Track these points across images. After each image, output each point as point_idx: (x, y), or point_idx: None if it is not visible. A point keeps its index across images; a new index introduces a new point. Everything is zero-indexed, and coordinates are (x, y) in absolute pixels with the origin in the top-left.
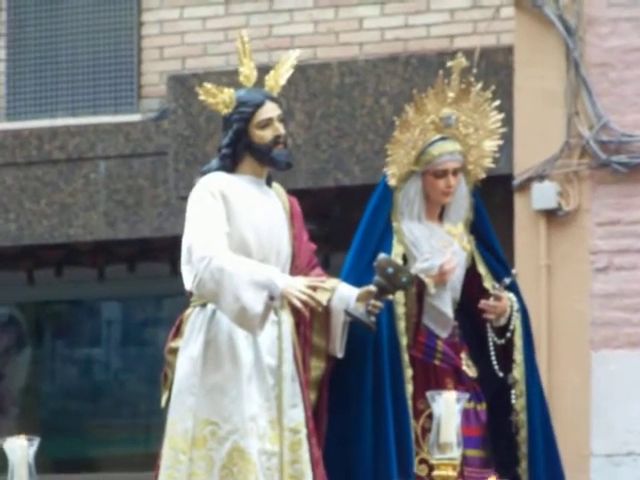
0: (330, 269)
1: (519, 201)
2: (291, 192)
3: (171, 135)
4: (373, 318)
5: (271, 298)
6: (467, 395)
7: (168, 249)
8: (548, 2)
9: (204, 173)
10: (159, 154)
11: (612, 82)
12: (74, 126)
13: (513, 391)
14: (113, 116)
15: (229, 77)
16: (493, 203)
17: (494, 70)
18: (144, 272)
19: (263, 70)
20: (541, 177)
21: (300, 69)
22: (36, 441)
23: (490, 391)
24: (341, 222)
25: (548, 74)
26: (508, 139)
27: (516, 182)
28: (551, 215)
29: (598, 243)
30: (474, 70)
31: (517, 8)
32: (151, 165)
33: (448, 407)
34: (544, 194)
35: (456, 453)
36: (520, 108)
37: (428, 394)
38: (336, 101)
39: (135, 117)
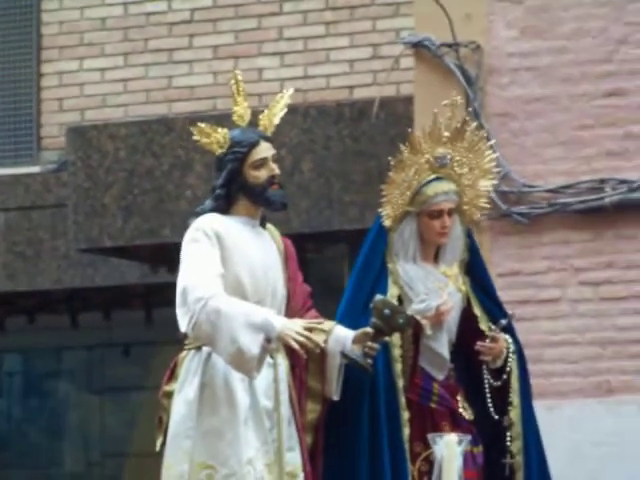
0: None
1: None
2: None
3: (70, 187)
4: (370, 360)
5: (268, 340)
6: (469, 437)
7: (67, 301)
8: (448, 52)
9: (197, 214)
10: (59, 206)
11: (513, 132)
12: None
13: (509, 433)
14: (12, 168)
15: (127, 128)
16: None
17: (394, 120)
18: (44, 324)
19: (162, 122)
20: None
21: (199, 120)
22: None
23: (486, 433)
24: None
25: None
26: None
27: None
28: None
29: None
30: (372, 121)
31: (417, 58)
32: (51, 217)
33: (450, 449)
34: None
35: None
36: None
37: (429, 436)
38: None
39: (35, 169)
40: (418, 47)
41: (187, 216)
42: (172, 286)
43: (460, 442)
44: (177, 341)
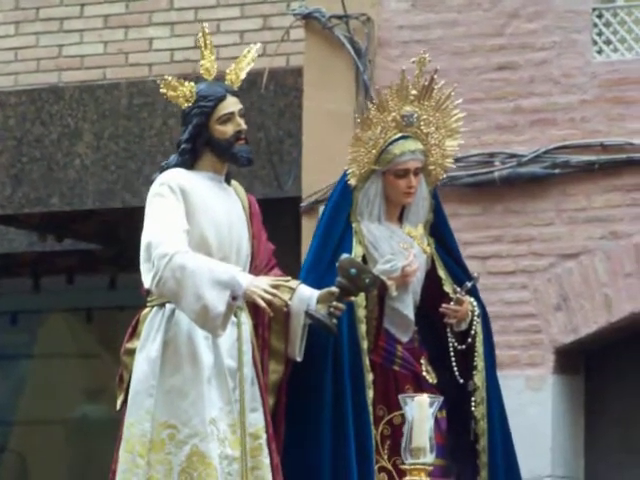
0: (117, 290)
1: (306, 224)
2: (78, 213)
3: None
4: (335, 320)
5: (234, 298)
6: (441, 399)
7: None
8: (338, 24)
9: (163, 169)
10: None
11: None
12: None
13: (473, 398)
14: None
15: (17, 96)
16: (282, 225)
17: (283, 92)
18: None
19: (52, 91)
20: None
21: (89, 89)
22: None
23: (449, 398)
24: (128, 243)
25: (337, 96)
26: (296, 162)
27: (303, 205)
28: None
29: None
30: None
31: (307, 30)
32: None
33: (421, 411)
34: None
35: (429, 458)
36: (308, 131)
37: (400, 397)
38: (125, 122)
39: None
40: (308, 19)
41: (75, 185)
42: (60, 254)
43: (432, 403)
44: (64, 309)
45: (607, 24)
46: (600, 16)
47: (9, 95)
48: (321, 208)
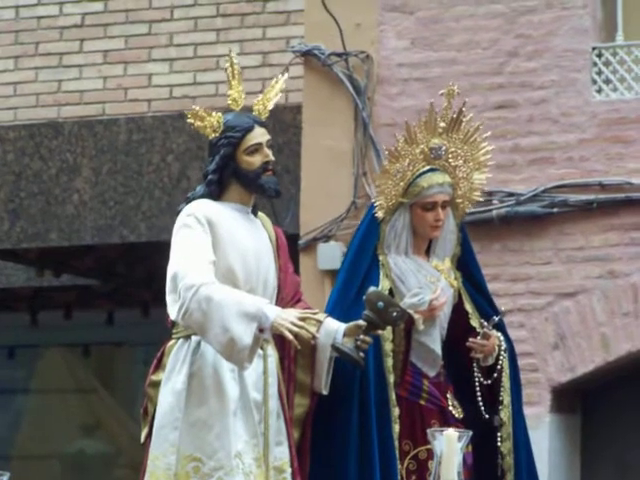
0: (114, 326)
1: (305, 261)
2: (76, 248)
3: None
4: (362, 354)
5: (260, 330)
6: (469, 433)
7: None
8: (338, 61)
9: (189, 200)
10: None
11: None
12: None
13: (499, 433)
14: None
15: (16, 131)
16: None
17: (282, 129)
18: None
19: (51, 126)
20: (327, 237)
21: (88, 125)
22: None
23: (474, 433)
24: (126, 278)
25: (336, 134)
26: (294, 199)
27: (302, 242)
28: (336, 275)
29: None
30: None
31: (306, 67)
32: None
33: (450, 445)
34: (329, 254)
35: None
36: (307, 168)
37: (429, 432)
38: (123, 157)
39: None
40: (308, 56)
41: (73, 220)
42: (58, 290)
43: (460, 438)
44: (61, 344)
45: (606, 63)
46: (600, 55)
47: (8, 130)
48: (319, 246)
